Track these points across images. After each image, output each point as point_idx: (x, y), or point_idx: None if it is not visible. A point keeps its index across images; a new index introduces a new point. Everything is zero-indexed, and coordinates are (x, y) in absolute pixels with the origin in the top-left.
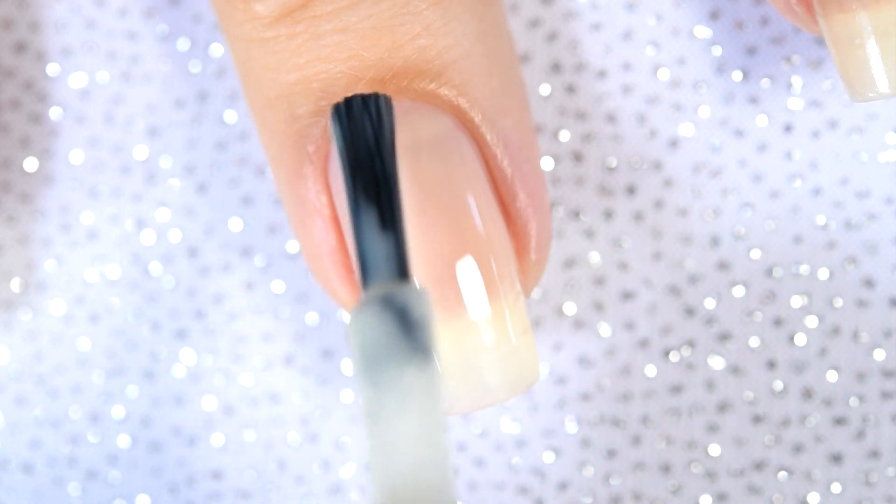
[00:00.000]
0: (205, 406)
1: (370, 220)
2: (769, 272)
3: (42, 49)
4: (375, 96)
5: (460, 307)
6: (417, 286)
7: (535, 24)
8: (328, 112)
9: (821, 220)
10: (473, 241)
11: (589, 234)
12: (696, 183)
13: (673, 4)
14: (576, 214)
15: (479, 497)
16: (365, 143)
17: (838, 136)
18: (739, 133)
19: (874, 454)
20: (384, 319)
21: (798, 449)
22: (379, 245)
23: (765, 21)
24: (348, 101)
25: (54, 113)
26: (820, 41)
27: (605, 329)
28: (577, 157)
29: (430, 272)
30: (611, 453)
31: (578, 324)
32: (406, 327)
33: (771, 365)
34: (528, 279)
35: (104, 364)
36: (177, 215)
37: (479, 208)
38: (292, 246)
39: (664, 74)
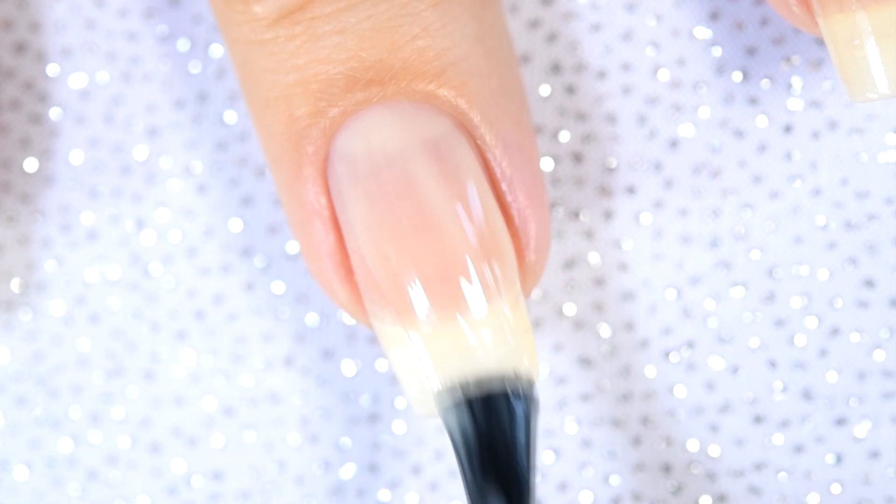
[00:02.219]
0: (205, 406)
1: None
2: (769, 272)
3: (42, 49)
4: (526, 396)
5: (460, 308)
6: None
7: (534, 24)
8: (327, 113)
9: (821, 220)
10: (473, 243)
11: (589, 234)
12: (696, 183)
13: (673, 5)
14: (576, 215)
15: None
16: (502, 445)
17: (838, 137)
18: (739, 134)
19: (874, 454)
20: None
21: (798, 449)
22: None
23: (765, 21)
24: (489, 398)
25: (54, 113)
26: (820, 41)
27: (605, 329)
28: (577, 158)
29: (429, 273)
30: (611, 454)
31: (578, 324)
32: None
33: (771, 365)
34: (527, 280)
35: (104, 364)
36: (177, 216)
37: (479, 209)
38: (292, 246)
39: (664, 75)
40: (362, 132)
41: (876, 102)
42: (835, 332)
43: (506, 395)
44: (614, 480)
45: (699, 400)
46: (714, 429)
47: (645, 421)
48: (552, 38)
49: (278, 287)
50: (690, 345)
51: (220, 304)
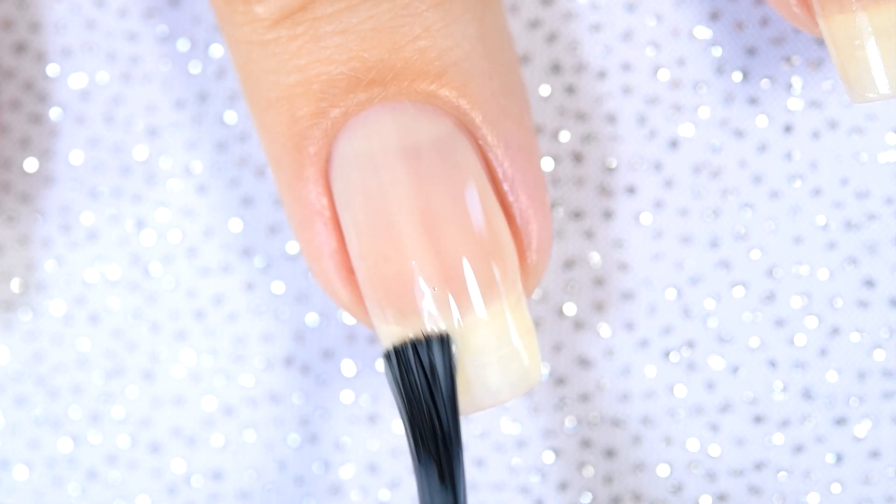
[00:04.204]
0: (205, 406)
1: (431, 474)
2: (769, 272)
3: (42, 49)
4: (427, 341)
5: (462, 308)
6: None
7: (534, 24)
8: (328, 114)
9: (821, 220)
10: (475, 243)
11: (589, 234)
12: (696, 183)
13: (673, 5)
14: (576, 215)
15: (479, 497)
16: (420, 397)
17: (838, 137)
18: (739, 134)
19: (874, 454)
20: None
21: (798, 449)
22: (437, 499)
23: (765, 21)
24: (398, 350)
25: (54, 113)
26: (820, 41)
27: (605, 329)
28: (577, 158)
29: (431, 274)
30: (611, 453)
31: (578, 324)
32: None
33: (771, 365)
34: (529, 280)
35: (104, 364)
36: (177, 216)
37: (480, 209)
38: (292, 247)
39: (664, 75)
40: (364, 133)
41: (876, 102)
42: (835, 332)
43: (415, 348)
44: (614, 480)
45: (699, 400)
46: (714, 429)
47: (645, 421)
48: (552, 38)
49: (278, 287)
50: (690, 345)
51: (220, 304)
